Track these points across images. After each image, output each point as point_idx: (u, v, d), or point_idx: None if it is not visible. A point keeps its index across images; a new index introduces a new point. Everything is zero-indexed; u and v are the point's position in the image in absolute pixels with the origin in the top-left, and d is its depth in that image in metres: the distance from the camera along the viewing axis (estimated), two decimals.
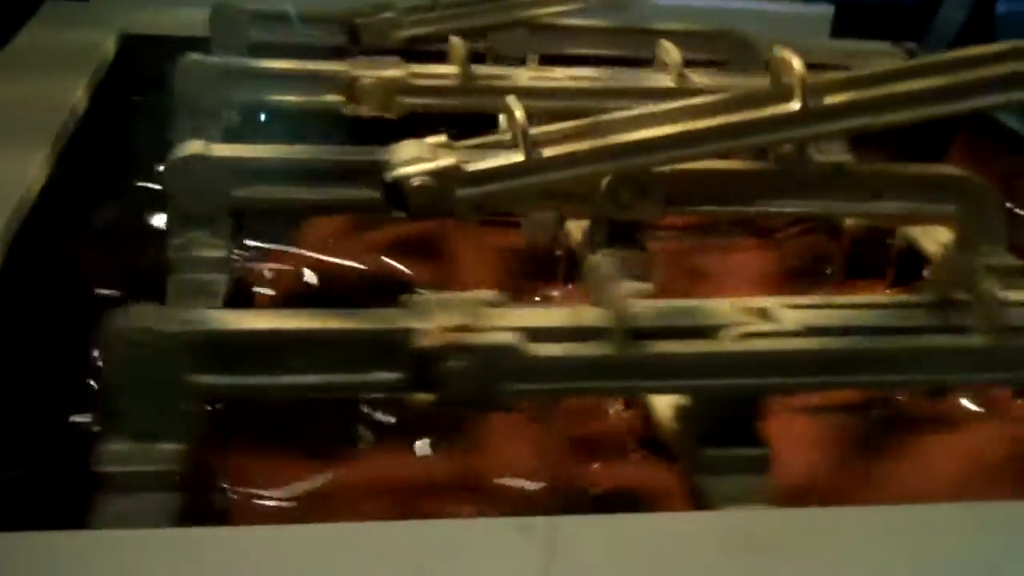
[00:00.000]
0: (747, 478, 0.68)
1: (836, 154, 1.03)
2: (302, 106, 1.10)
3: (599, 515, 0.65)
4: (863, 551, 0.58)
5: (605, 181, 0.91)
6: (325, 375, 0.62)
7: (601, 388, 0.66)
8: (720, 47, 1.20)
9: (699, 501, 0.69)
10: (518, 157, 0.86)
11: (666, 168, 0.90)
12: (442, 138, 0.89)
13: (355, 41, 1.17)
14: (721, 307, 0.71)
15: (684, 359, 0.67)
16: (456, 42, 1.10)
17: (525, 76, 1.12)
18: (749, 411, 0.71)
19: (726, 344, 0.68)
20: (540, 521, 0.57)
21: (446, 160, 0.86)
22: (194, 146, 0.85)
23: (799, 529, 0.60)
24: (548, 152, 0.86)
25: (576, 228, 0.99)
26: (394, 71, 1.08)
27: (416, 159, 0.86)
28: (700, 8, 1.44)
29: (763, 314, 0.71)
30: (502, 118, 1.12)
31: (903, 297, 0.72)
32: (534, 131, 0.85)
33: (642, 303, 0.68)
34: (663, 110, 0.86)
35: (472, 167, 0.86)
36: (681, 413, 0.72)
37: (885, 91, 0.83)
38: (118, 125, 1.15)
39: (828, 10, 1.51)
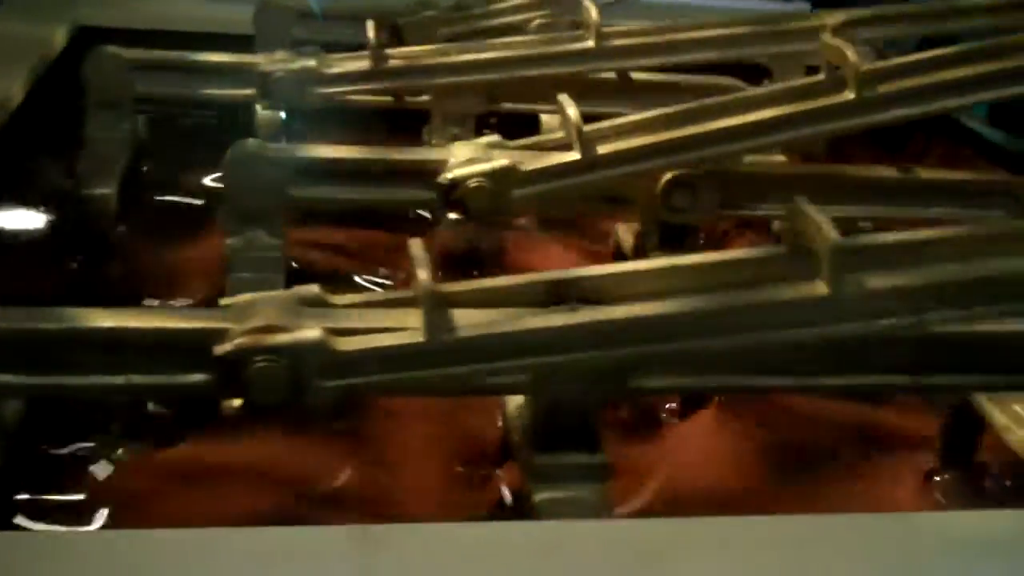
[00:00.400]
0: (580, 488, 0.64)
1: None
2: (216, 100, 1.09)
3: (426, 523, 0.64)
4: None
5: (660, 184, 0.91)
6: (129, 376, 0.60)
7: (416, 378, 0.61)
8: (763, 51, 1.20)
9: (527, 511, 0.64)
10: (574, 155, 0.87)
11: (720, 170, 0.91)
12: (495, 137, 0.90)
13: (398, 39, 1.17)
14: (535, 280, 0.65)
15: (498, 339, 0.61)
16: (369, 25, 1.08)
17: (438, 54, 1.08)
18: (590, 415, 0.65)
19: (545, 319, 0.62)
20: (369, 529, 0.56)
21: (501, 160, 0.86)
22: (251, 144, 0.85)
23: (625, 540, 0.57)
24: (603, 149, 0.87)
25: (626, 231, 0.99)
26: (305, 62, 1.06)
27: (471, 160, 0.87)
28: (677, 5, 1.45)
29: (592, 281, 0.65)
30: (545, 118, 1.13)
31: (751, 252, 0.67)
32: (588, 129, 0.86)
33: (455, 285, 0.64)
34: (716, 103, 0.87)
35: (528, 167, 0.87)
36: (521, 417, 0.68)
37: (938, 78, 0.84)
38: (55, 118, 1.11)
39: (805, 7, 1.55)
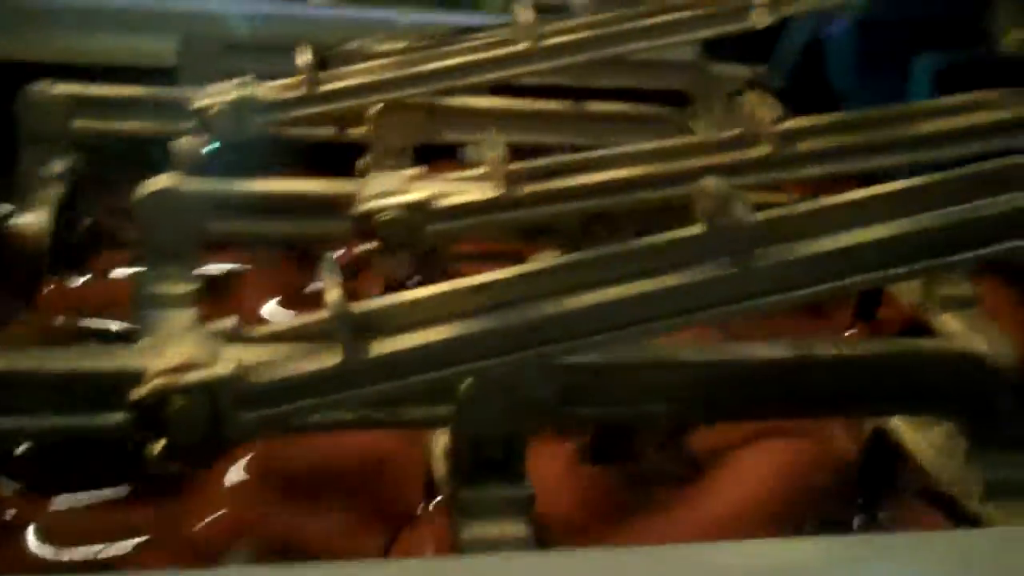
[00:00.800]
0: (504, 521, 0.64)
1: None
2: (153, 133, 1.08)
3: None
4: None
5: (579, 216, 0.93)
6: (45, 417, 0.60)
7: (339, 400, 0.61)
8: (685, 79, 1.22)
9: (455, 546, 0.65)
10: (494, 193, 0.87)
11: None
12: (417, 170, 0.90)
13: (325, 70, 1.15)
14: (455, 288, 0.64)
15: (420, 351, 0.61)
16: (302, 49, 1.06)
17: (373, 70, 1.06)
18: (515, 445, 0.66)
19: (468, 324, 0.62)
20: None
21: (419, 193, 0.86)
22: (165, 179, 0.84)
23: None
24: (525, 189, 0.88)
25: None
26: (240, 92, 1.04)
27: (389, 192, 0.87)
28: None
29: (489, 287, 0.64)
30: (470, 150, 1.13)
31: (664, 236, 0.67)
32: (511, 168, 0.87)
33: (371, 302, 0.63)
34: (636, 151, 0.89)
35: (446, 202, 0.87)
36: (446, 450, 0.68)
37: (853, 140, 0.87)
38: None
39: None
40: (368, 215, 0.85)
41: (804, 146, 0.87)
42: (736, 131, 0.89)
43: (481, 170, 0.90)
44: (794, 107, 1.51)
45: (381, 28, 1.20)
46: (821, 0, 1.10)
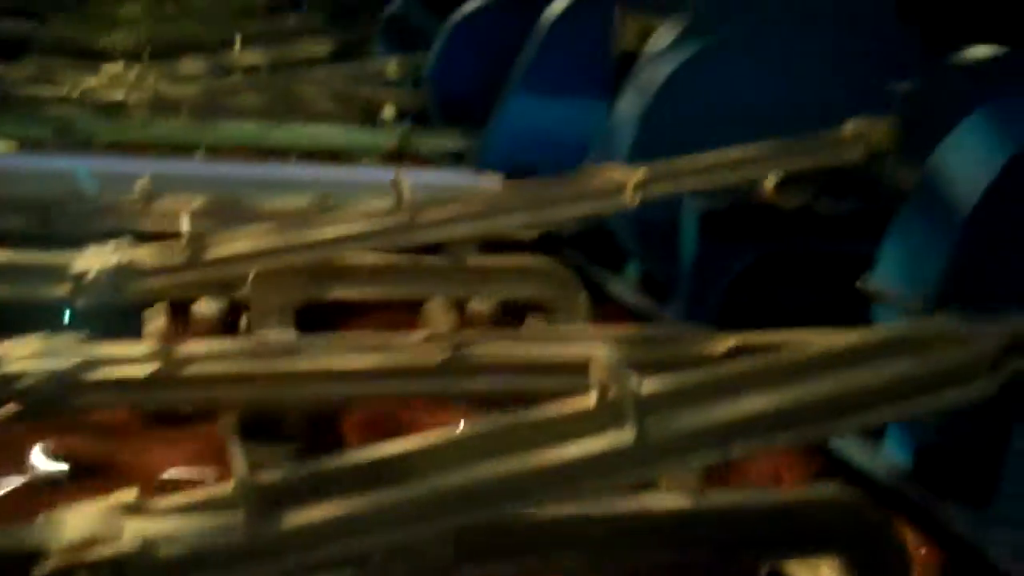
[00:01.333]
0: None
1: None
2: (20, 298, 1.04)
3: None
4: None
5: None
6: None
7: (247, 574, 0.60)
8: (539, 282, 1.23)
9: None
10: (148, 370, 0.84)
11: None
12: (76, 336, 0.87)
13: (48, 228, 1.12)
14: (351, 462, 0.66)
15: (322, 527, 0.60)
16: (184, 213, 1.08)
17: (256, 236, 1.09)
18: None
19: (369, 500, 0.62)
20: None
21: (67, 361, 0.83)
22: None
23: None
24: (186, 371, 0.85)
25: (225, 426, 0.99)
26: (120, 256, 1.02)
27: (34, 356, 0.83)
28: None
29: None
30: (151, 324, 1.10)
31: (560, 409, 0.69)
32: (179, 349, 0.85)
33: (273, 475, 0.63)
34: (308, 342, 0.88)
35: (94, 376, 0.83)
36: None
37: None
38: None
39: None
40: (9, 380, 0.81)
41: (476, 360, 0.87)
42: (423, 333, 0.90)
43: (146, 344, 0.87)
44: (585, 255, 1.70)
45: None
46: (676, 186, 1.26)
